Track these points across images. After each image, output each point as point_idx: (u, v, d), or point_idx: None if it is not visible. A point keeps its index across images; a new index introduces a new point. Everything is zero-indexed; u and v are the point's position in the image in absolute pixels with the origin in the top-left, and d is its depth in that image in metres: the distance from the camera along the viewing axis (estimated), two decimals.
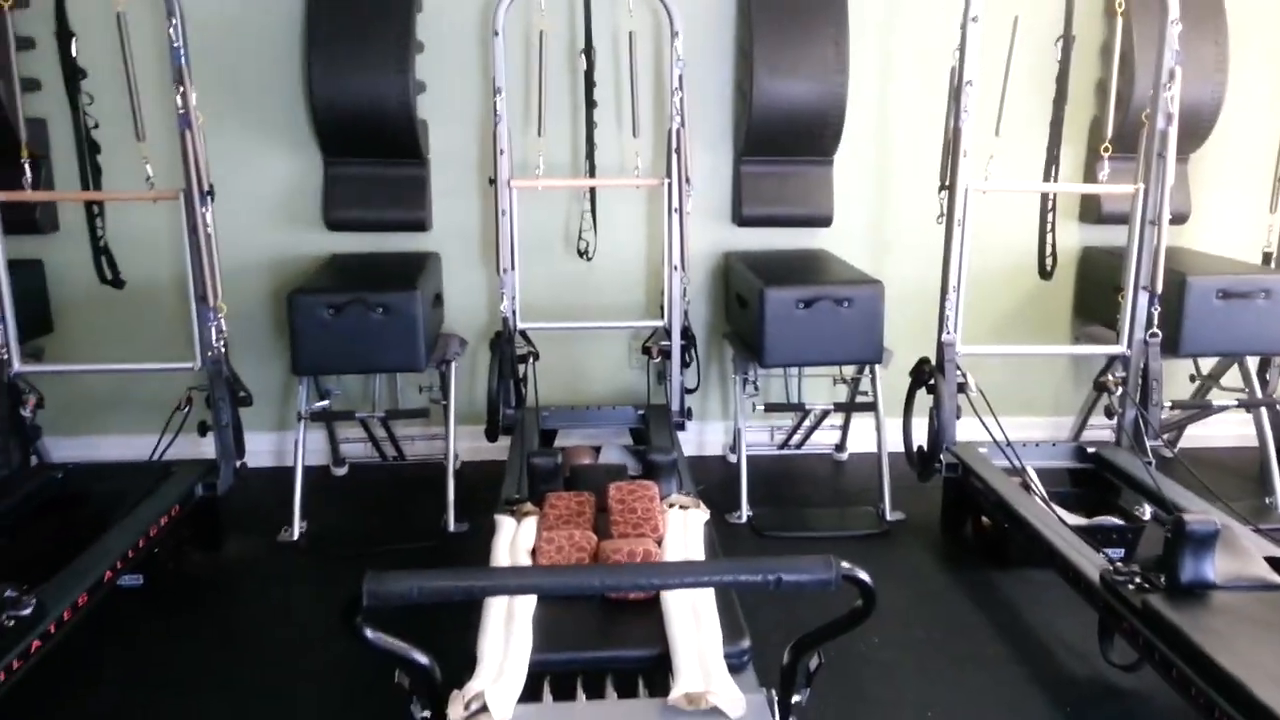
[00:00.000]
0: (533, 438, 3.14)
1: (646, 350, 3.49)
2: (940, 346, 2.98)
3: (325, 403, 3.25)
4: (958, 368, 2.99)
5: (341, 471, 3.59)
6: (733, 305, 3.46)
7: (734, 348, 3.39)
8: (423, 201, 3.46)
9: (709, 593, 1.93)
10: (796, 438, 3.63)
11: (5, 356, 2.76)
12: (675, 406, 3.40)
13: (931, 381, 3.01)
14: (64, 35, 2.76)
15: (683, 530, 2.22)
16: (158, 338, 3.42)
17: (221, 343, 2.81)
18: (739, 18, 3.45)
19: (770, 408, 3.34)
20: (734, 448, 3.52)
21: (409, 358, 2.99)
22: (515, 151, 3.30)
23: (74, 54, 2.77)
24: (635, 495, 2.25)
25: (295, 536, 3.04)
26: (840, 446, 3.71)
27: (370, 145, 3.34)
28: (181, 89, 2.63)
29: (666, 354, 3.41)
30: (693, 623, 1.82)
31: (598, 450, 3.37)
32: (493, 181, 3.28)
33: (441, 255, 3.54)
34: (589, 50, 3.32)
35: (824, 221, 3.54)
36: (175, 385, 3.01)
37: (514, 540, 2.19)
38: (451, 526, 3.12)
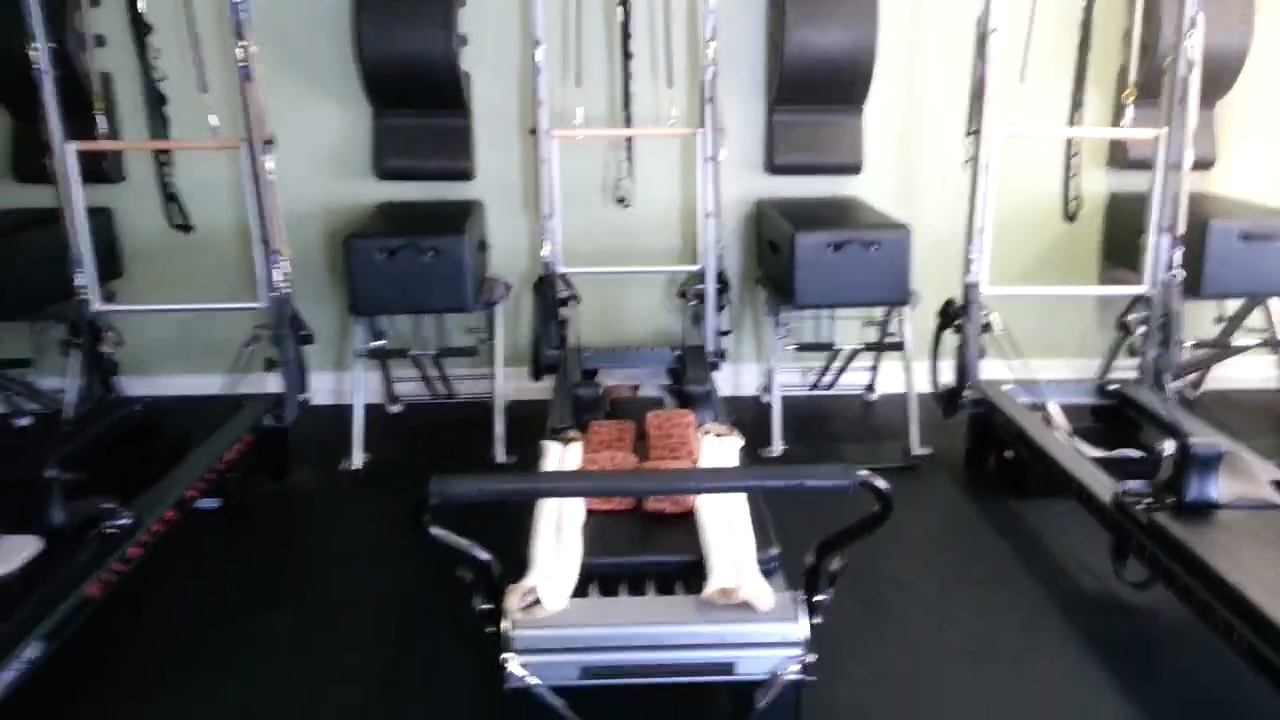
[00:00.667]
0: (575, 376, 3.30)
1: (682, 294, 3.64)
2: (966, 288, 3.10)
3: (382, 341, 3.44)
4: (982, 308, 3.10)
5: (396, 409, 3.79)
6: (765, 250, 3.58)
7: (766, 291, 3.53)
8: (467, 151, 3.61)
9: (742, 506, 2.10)
10: (827, 378, 3.76)
11: (86, 297, 2.97)
12: (710, 347, 3.54)
13: (958, 322, 3.13)
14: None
15: (717, 455, 2.39)
16: (222, 280, 3.63)
17: (285, 283, 3.00)
18: None
19: (801, 347, 3.48)
20: (768, 388, 3.66)
21: (457, 298, 3.16)
22: (554, 102, 3.43)
23: (141, 10, 2.93)
24: (672, 422, 2.42)
25: (356, 466, 3.25)
26: (870, 387, 3.85)
27: (416, 97, 3.49)
28: (242, 42, 2.79)
29: (701, 297, 3.54)
30: (726, 531, 1.98)
31: (636, 389, 3.52)
32: (533, 132, 3.41)
33: (485, 203, 3.69)
34: (625, 2, 3.42)
35: (854, 169, 3.65)
36: (237, 327, 3.21)
37: (561, 462, 2.37)
38: (500, 459, 3.31)
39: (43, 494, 2.06)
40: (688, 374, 3.27)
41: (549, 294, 3.48)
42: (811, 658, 1.72)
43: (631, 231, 3.77)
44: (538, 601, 1.75)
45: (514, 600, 1.75)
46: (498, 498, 1.79)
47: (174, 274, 3.60)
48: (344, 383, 3.77)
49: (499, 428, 3.34)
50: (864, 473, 1.58)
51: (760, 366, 3.91)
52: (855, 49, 3.42)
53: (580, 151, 3.63)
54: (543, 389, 3.63)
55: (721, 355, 3.57)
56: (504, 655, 1.71)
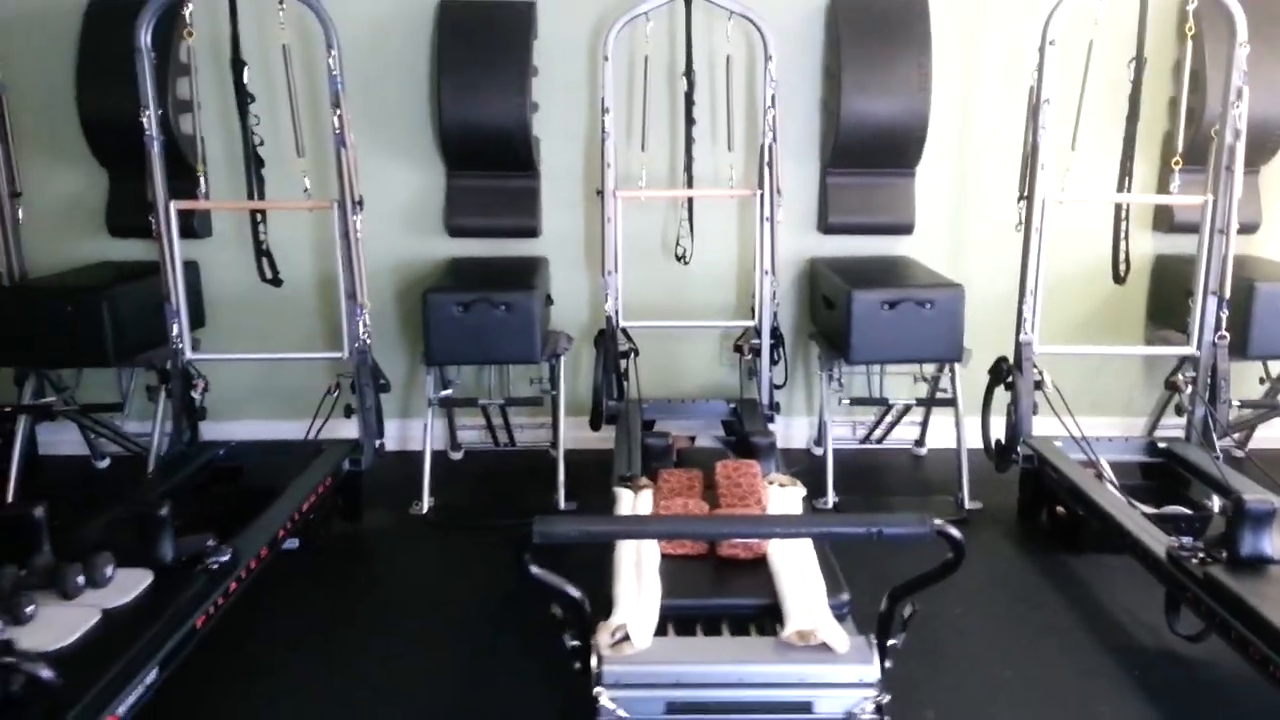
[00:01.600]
0: (636, 427, 3.43)
1: (738, 348, 3.77)
2: (1018, 346, 3.21)
3: (449, 390, 3.59)
4: (1035, 366, 3.20)
5: (458, 455, 3.94)
6: (818, 307, 3.71)
7: (820, 346, 3.65)
8: (534, 210, 3.79)
9: (811, 553, 2.20)
10: (878, 432, 3.86)
11: (180, 345, 3.15)
12: (765, 400, 3.66)
13: (1010, 379, 3.23)
14: (237, 64, 3.15)
15: (783, 504, 2.49)
16: (298, 331, 3.82)
17: (366, 335, 3.16)
18: (826, 42, 3.72)
19: (856, 401, 3.59)
20: (819, 440, 3.77)
21: (527, 351, 3.31)
22: (619, 164, 3.61)
23: (245, 81, 3.15)
24: (740, 472, 2.53)
25: (425, 510, 3.38)
26: (920, 441, 3.93)
27: (489, 159, 3.68)
28: (338, 111, 3.00)
29: (756, 352, 3.67)
30: (799, 577, 2.09)
31: (693, 440, 3.65)
32: (600, 192, 3.59)
33: (549, 259, 3.86)
34: (689, 72, 3.61)
35: (906, 229, 3.79)
36: (307, 374, 3.37)
37: (634, 508, 2.49)
38: (562, 505, 3.43)
39: (154, 530, 2.20)
40: (747, 426, 3.39)
41: (610, 347, 3.63)
42: (886, 698, 1.81)
43: (688, 287, 3.91)
44: (626, 639, 1.86)
45: (604, 637, 1.86)
46: (596, 539, 1.91)
47: (253, 324, 3.78)
48: (409, 429, 3.92)
49: (561, 475, 3.46)
50: (939, 522, 1.69)
51: (810, 419, 4.02)
52: (909, 116, 3.57)
53: (642, 210, 3.79)
54: (600, 438, 3.76)
55: (776, 408, 3.68)
56: (595, 689, 1.81)
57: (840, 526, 1.73)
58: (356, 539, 3.22)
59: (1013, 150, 3.37)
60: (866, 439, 3.90)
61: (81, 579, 2.06)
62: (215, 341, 3.77)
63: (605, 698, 1.80)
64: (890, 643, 1.88)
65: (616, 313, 3.65)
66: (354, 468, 3.19)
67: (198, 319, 3.75)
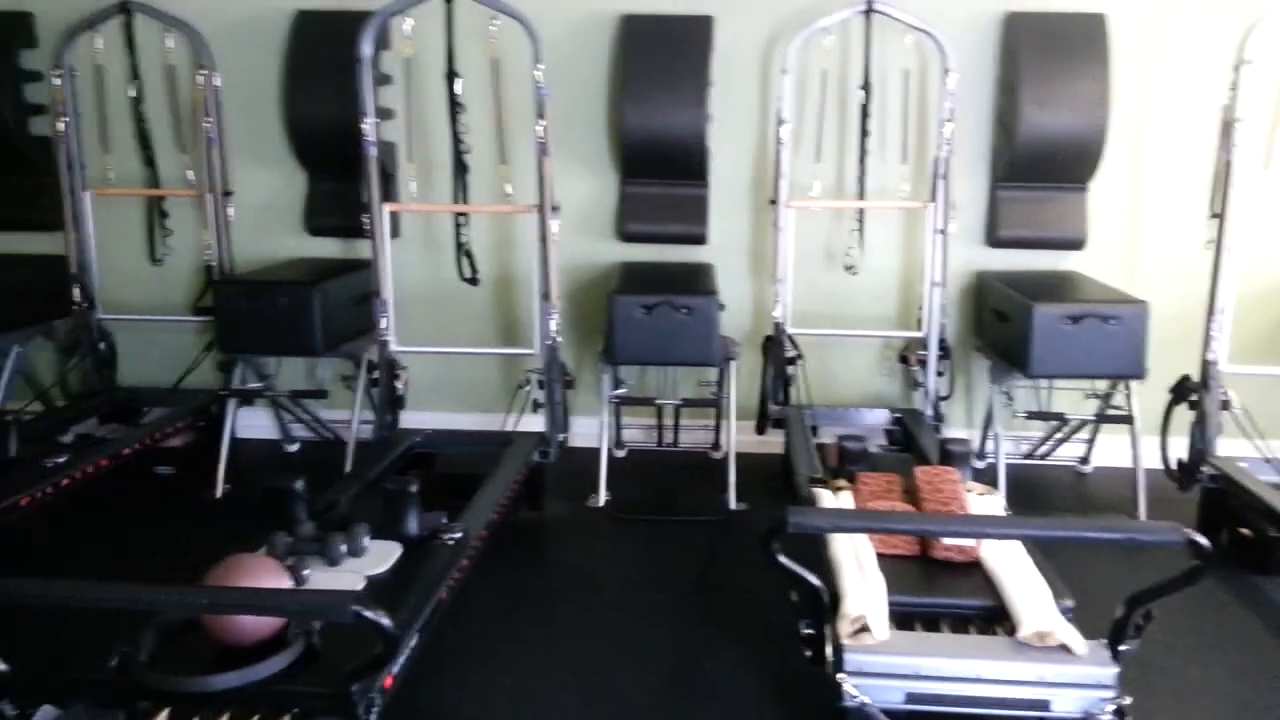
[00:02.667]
0: (803, 431, 3.51)
1: (904, 359, 3.82)
2: (1205, 365, 3.19)
3: (623, 390, 3.73)
4: (1220, 385, 3.18)
5: (621, 454, 4.07)
6: (987, 320, 3.74)
7: (990, 359, 3.67)
8: (703, 218, 3.90)
9: (1027, 559, 2.25)
10: (1044, 447, 3.86)
11: (387, 338, 3.36)
12: (930, 411, 3.71)
13: (1193, 398, 3.21)
14: (450, 76, 3.35)
15: (984, 511, 2.55)
16: (476, 327, 4.00)
17: (556, 332, 3.32)
18: (1002, 56, 3.74)
19: (1031, 416, 3.60)
20: (980, 454, 3.79)
21: (706, 353, 3.42)
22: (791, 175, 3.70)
23: (458, 92, 3.35)
24: (940, 478, 2.60)
25: (601, 503, 3.52)
26: (1085, 459, 3.92)
27: (664, 168, 3.81)
28: (543, 121, 3.16)
29: (923, 362, 3.72)
30: (1022, 581, 2.14)
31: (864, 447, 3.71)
32: (773, 201, 3.69)
33: (715, 266, 3.97)
34: (867, 85, 3.68)
35: (1076, 245, 3.79)
36: (483, 369, 3.48)
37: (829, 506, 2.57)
38: (732, 505, 3.53)
39: (404, 505, 2.37)
40: (918, 436, 3.43)
41: (778, 352, 3.72)
42: (1127, 700, 1.86)
43: (850, 297, 3.98)
44: (865, 629, 1.95)
45: (844, 626, 1.95)
46: (848, 529, 2.00)
47: (432, 320, 3.97)
48: (579, 425, 4.06)
49: (732, 476, 3.56)
50: (1188, 531, 1.73)
51: (970, 431, 4.03)
52: (1086, 130, 3.58)
53: (807, 220, 3.87)
54: (759, 442, 3.86)
55: (940, 419, 3.72)
56: (839, 676, 1.90)
57: (1095, 532, 1.79)
58: (540, 527, 3.37)
59: (1189, 166, 3.35)
60: (1030, 454, 3.90)
61: (344, 548, 2.24)
62: (398, 336, 3.98)
63: (849, 684, 1.89)
64: (1123, 648, 1.93)
65: (785, 319, 3.74)
66: (541, 459, 3.35)
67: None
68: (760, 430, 3.78)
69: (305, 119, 3.79)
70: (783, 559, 1.90)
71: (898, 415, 3.77)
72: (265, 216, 4.05)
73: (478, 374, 3.85)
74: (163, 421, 3.59)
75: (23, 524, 2.85)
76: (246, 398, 3.78)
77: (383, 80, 3.77)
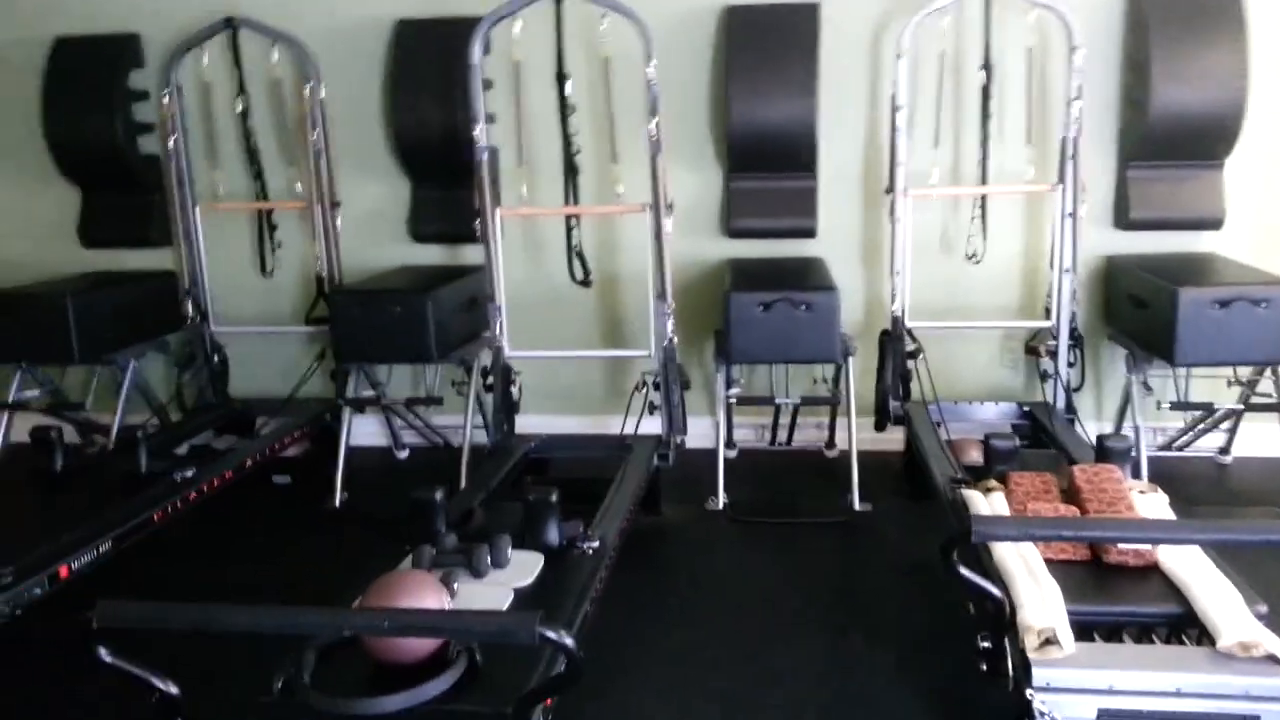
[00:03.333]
0: (931, 429, 3.38)
1: (1032, 350, 3.66)
2: None
3: (737, 389, 3.64)
4: None
5: (731, 454, 3.97)
6: (1121, 306, 3.55)
7: (1126, 348, 3.49)
8: (812, 210, 3.79)
9: (1209, 562, 2.10)
10: (1185, 438, 3.66)
11: (501, 344, 3.32)
12: (1063, 404, 3.54)
13: None
14: (560, 77, 3.30)
15: (1151, 510, 2.40)
16: (577, 329, 3.95)
17: (673, 333, 3.25)
18: (1128, 30, 3.55)
19: (1176, 406, 3.41)
20: None
21: (828, 350, 3.31)
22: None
23: (568, 93, 3.30)
24: (1101, 477, 2.45)
25: (720, 506, 3.44)
26: (1225, 449, 3.70)
27: (772, 161, 3.71)
28: (655, 119, 3.09)
29: (1053, 353, 3.56)
30: (1210, 587, 2.00)
31: (983, 442, 3.56)
32: (889, 190, 3.56)
33: (825, 259, 3.85)
34: (988, 66, 3.53)
35: (1214, 224, 3.58)
36: (590, 371, 3.37)
37: (991, 510, 2.44)
38: (856, 506, 3.41)
39: (545, 515, 2.32)
40: (1059, 434, 3.27)
41: (898, 347, 3.59)
42: None
43: (969, 286, 3.82)
44: (1052, 642, 1.83)
45: (1030, 639, 1.83)
46: (1035, 538, 1.88)
47: (530, 323, 3.90)
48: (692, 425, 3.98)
49: (855, 476, 3.44)
50: None
51: (1099, 425, 3.85)
52: (1224, 106, 3.38)
53: (923, 208, 3.73)
54: (878, 439, 3.73)
55: (1073, 411, 3.55)
56: (1027, 692, 1.79)
57: None
58: (661, 532, 3.30)
59: None
60: (1169, 445, 3.71)
61: (489, 559, 2.19)
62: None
63: (1038, 700, 1.78)
64: None
65: (903, 312, 3.61)
66: (661, 462, 3.28)
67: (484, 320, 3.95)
68: (880, 427, 3.66)
69: (410, 127, 3.77)
70: (964, 570, 1.79)
71: (1026, 409, 3.61)
72: (369, 225, 4.05)
73: (585, 376, 3.79)
74: (280, 432, 3.61)
75: (156, 539, 2.87)
76: (359, 406, 3.78)
77: (485, 85, 3.74)
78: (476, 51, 3.17)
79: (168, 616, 1.48)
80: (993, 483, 2.55)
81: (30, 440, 2.96)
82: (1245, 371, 3.47)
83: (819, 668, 2.43)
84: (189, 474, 3.02)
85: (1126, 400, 3.55)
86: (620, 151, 3.42)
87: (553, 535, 2.34)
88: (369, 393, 3.82)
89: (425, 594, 1.82)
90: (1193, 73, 3.38)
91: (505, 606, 2.06)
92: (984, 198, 3.68)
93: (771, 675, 2.42)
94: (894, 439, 3.70)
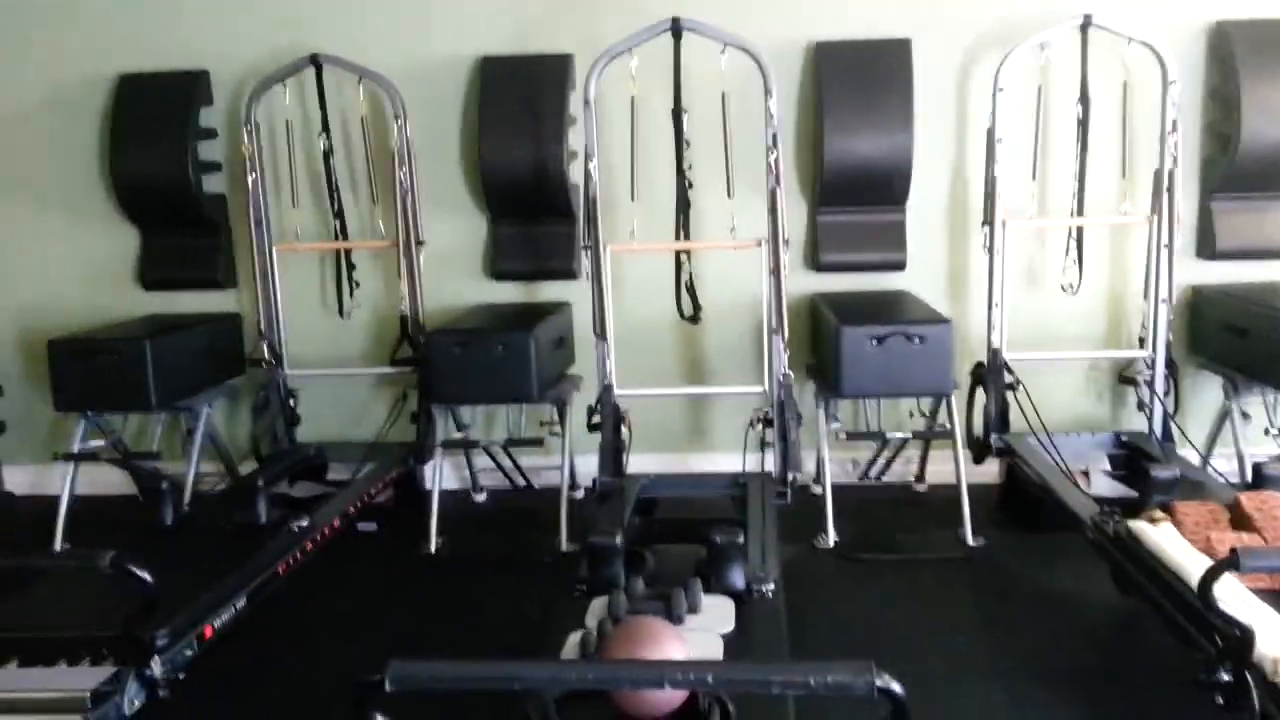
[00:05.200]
0: (1042, 462, 3.35)
1: (1128, 379, 3.67)
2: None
3: (837, 424, 3.60)
4: None
5: (818, 489, 3.91)
6: (1215, 335, 3.58)
7: (1225, 376, 3.51)
8: (902, 244, 3.79)
9: None
10: None
11: (610, 382, 3.25)
12: (1159, 431, 3.55)
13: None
14: (677, 113, 3.27)
15: None
16: (656, 365, 3.89)
17: (787, 368, 3.20)
18: (1210, 65, 3.64)
19: None
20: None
21: (941, 383, 3.30)
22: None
23: (685, 128, 3.27)
24: (1270, 504, 2.44)
25: (830, 544, 3.38)
26: None
27: (862, 195, 3.71)
28: (774, 154, 3.07)
29: (1149, 382, 3.58)
30: None
31: (1086, 474, 3.55)
32: (987, 223, 3.57)
33: (912, 292, 3.85)
34: (1084, 98, 3.56)
35: None
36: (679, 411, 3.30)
37: (1159, 542, 2.42)
38: (970, 540, 3.37)
39: (732, 558, 2.25)
40: (1163, 460, 3.27)
41: (998, 380, 3.58)
42: None
43: (1056, 318, 3.84)
44: None
45: (1271, 667, 1.79)
46: None
47: (636, 359, 3.81)
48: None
49: (966, 510, 3.40)
50: None
51: (1186, 451, 3.86)
52: None
53: (1011, 240, 3.74)
54: (973, 473, 3.70)
55: (1170, 439, 3.56)
56: None
57: None
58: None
59: None
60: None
61: (685, 605, 2.11)
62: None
63: None
64: None
65: (1002, 344, 3.60)
66: (779, 500, 3.21)
67: (570, 357, 3.88)
68: (979, 460, 3.63)
69: (496, 163, 3.71)
70: (1220, 605, 1.75)
71: (1124, 438, 3.62)
72: (446, 264, 3.97)
73: (676, 415, 3.73)
74: (372, 477, 3.49)
75: (284, 593, 2.74)
76: (458, 448, 3.68)
77: (570, 121, 3.71)
78: (593, 87, 3.13)
79: (465, 675, 1.37)
80: (1158, 513, 2.53)
81: (140, 493, 2.81)
82: None
83: (1009, 713, 2.36)
84: (304, 523, 2.89)
85: (1219, 427, 3.57)
86: (731, 185, 3.38)
87: (738, 579, 2.26)
88: (457, 435, 3.71)
89: (672, 644, 1.73)
90: None
91: (719, 655, 1.98)
92: (1080, 229, 3.70)
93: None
94: (986, 472, 3.69)
